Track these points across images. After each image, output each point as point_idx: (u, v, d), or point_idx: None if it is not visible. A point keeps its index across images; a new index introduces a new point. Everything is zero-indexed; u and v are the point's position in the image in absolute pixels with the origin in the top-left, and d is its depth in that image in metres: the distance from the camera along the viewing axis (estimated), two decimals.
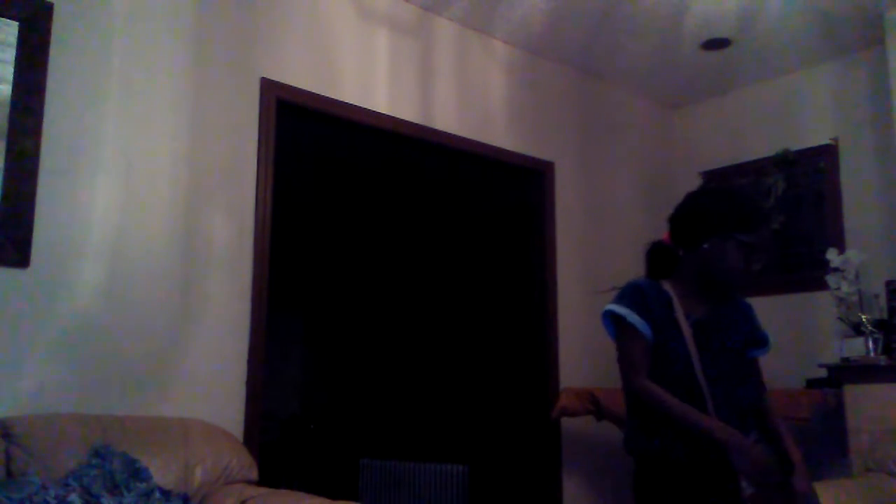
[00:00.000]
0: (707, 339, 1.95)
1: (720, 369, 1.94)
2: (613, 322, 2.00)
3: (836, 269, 3.82)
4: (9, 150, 2.50)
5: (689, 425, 1.87)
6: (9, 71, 2.54)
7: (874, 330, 3.60)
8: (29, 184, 2.53)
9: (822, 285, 3.92)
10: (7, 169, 2.49)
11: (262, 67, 3.21)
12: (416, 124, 3.71)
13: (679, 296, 1.97)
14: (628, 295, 1.99)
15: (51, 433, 2.30)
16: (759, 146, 4.56)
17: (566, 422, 4.03)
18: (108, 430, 2.38)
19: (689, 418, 1.87)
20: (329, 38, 3.46)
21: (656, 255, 2.06)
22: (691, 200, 2.06)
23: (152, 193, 2.85)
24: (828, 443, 3.76)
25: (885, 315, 3.72)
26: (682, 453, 1.90)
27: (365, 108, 3.51)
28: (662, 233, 2.12)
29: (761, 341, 2.08)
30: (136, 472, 2.26)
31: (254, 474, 2.66)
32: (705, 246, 1.94)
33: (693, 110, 5.02)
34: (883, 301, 3.76)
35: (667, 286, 2.00)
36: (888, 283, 3.77)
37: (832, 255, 3.85)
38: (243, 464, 2.64)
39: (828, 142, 4.29)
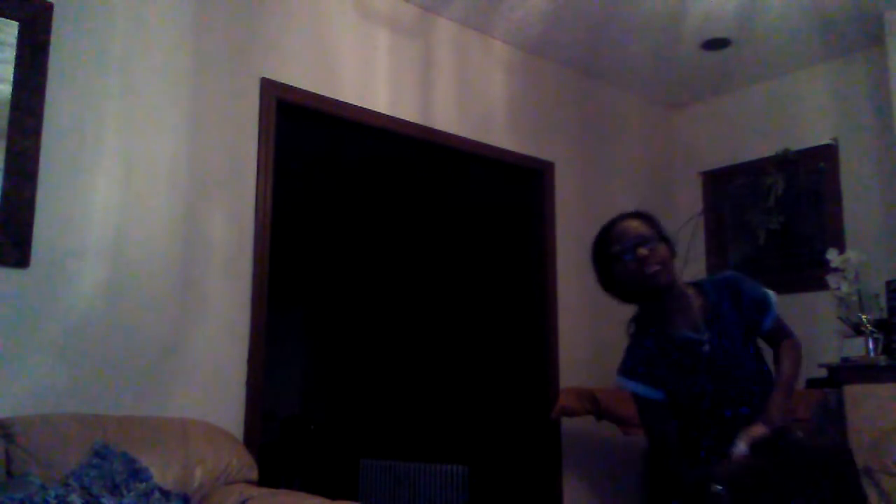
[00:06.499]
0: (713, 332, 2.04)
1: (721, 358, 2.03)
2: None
3: (836, 269, 3.82)
4: (9, 150, 2.50)
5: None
6: (9, 71, 2.54)
7: (874, 330, 3.60)
8: (29, 184, 2.53)
9: (822, 285, 3.92)
10: (7, 169, 2.49)
11: (262, 67, 3.21)
12: (416, 124, 3.71)
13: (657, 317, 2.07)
14: (630, 359, 2.10)
15: (51, 433, 2.30)
16: (759, 146, 4.56)
17: (566, 422, 4.02)
18: (108, 430, 2.38)
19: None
20: (329, 39, 3.46)
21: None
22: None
23: (152, 193, 2.85)
24: None
25: (885, 315, 3.72)
26: None
27: (365, 108, 3.51)
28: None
29: (761, 311, 2.09)
30: (136, 472, 2.26)
31: (254, 474, 2.66)
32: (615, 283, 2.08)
33: (693, 110, 5.02)
34: (883, 301, 3.76)
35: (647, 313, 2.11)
36: (888, 283, 3.77)
37: (832, 255, 3.85)
38: (243, 464, 2.63)
39: (828, 142, 4.29)
